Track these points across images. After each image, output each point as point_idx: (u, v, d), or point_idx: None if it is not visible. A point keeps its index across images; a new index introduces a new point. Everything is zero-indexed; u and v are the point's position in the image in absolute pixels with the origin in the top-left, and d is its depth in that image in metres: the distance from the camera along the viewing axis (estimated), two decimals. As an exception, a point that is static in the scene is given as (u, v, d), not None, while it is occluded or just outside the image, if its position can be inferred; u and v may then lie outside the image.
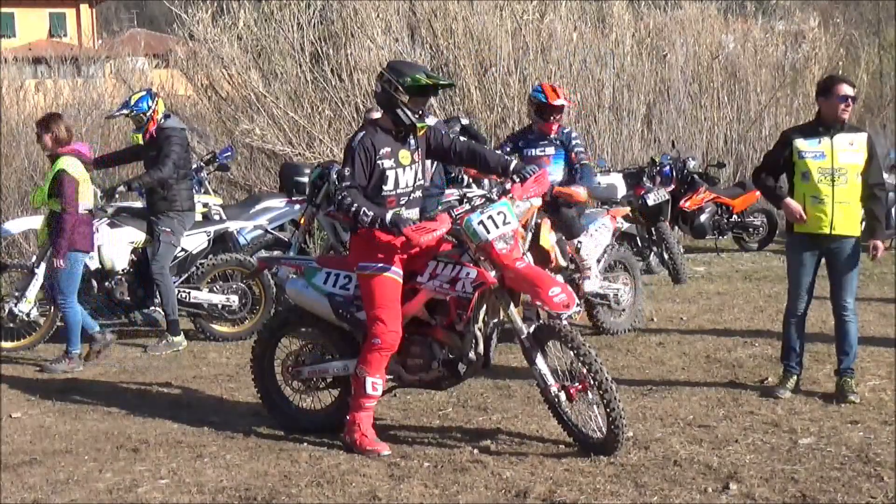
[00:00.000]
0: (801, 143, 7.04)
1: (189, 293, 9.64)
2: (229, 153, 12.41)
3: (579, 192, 8.80)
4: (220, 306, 9.72)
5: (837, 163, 6.97)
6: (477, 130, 11.66)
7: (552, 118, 8.95)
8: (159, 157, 9.34)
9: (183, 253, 9.68)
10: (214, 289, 9.76)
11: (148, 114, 9.47)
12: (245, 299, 9.80)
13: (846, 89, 7.00)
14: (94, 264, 9.34)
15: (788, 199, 7.10)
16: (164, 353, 9.23)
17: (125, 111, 9.63)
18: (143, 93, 9.81)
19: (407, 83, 6.09)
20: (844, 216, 6.99)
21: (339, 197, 6.06)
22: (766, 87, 18.10)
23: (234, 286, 9.79)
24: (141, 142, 9.58)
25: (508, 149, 8.93)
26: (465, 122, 11.24)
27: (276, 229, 11.33)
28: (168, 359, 9.08)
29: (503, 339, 6.58)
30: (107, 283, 9.45)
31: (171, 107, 16.40)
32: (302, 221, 10.74)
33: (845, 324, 7.14)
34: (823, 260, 7.14)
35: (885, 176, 14.25)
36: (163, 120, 9.51)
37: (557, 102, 8.92)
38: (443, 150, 6.46)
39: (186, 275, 9.73)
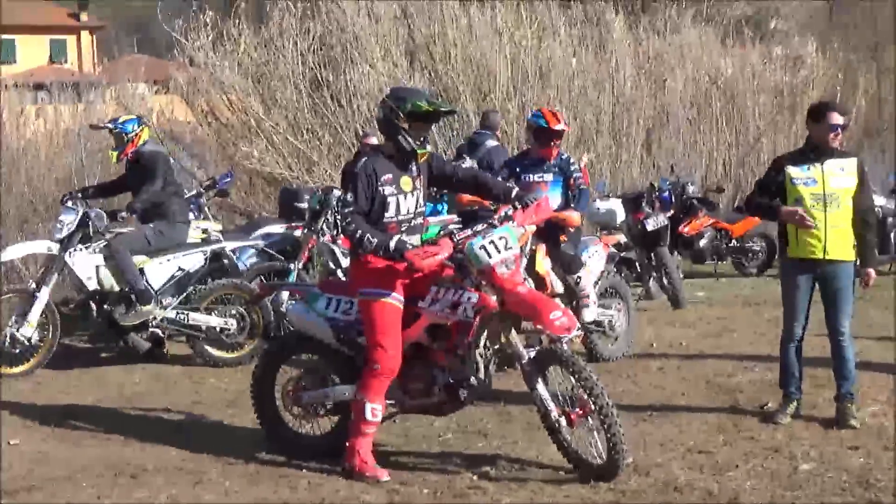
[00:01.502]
0: (792, 170, 7.05)
1: (187, 315, 9.61)
2: (229, 179, 12.43)
3: (573, 216, 8.74)
4: (217, 329, 9.67)
5: (829, 188, 6.98)
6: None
7: (552, 143, 8.91)
8: (146, 177, 9.55)
9: (180, 272, 9.66)
10: (213, 312, 9.73)
11: (129, 136, 9.72)
12: (243, 324, 9.77)
13: (837, 118, 7.02)
14: (92, 285, 9.35)
15: (783, 207, 7.05)
16: (135, 322, 9.37)
17: (110, 125, 9.93)
18: (134, 117, 10.18)
19: (408, 109, 6.11)
20: (838, 240, 6.99)
21: (344, 223, 6.08)
22: (764, 112, 18.18)
23: (233, 310, 9.75)
24: (115, 160, 9.95)
25: (506, 174, 8.87)
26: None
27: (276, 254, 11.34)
28: (167, 384, 9.06)
29: (503, 364, 6.57)
30: (105, 306, 9.44)
31: (170, 132, 16.55)
32: (301, 247, 10.73)
33: (842, 348, 7.13)
34: (818, 285, 7.15)
35: (884, 200, 14.50)
36: (143, 146, 9.74)
37: (558, 127, 8.87)
38: (445, 177, 6.49)
39: (184, 295, 9.69)
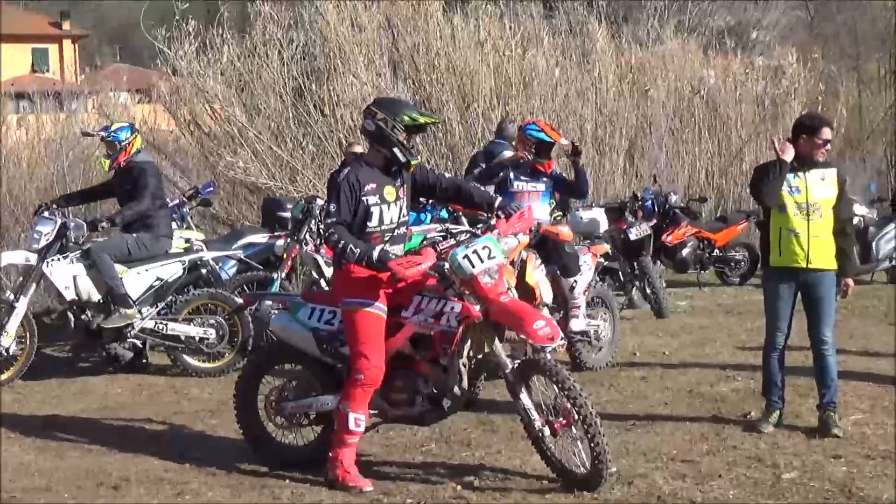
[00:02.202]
0: None
1: (166, 324, 9.57)
2: (212, 188, 12.41)
3: (565, 231, 8.90)
4: (197, 339, 9.63)
5: (812, 198, 7.02)
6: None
7: (552, 156, 9.07)
8: (135, 190, 9.52)
9: (158, 282, 9.61)
10: (193, 322, 9.68)
11: (122, 144, 9.66)
12: (222, 333, 9.72)
13: (828, 133, 7.10)
14: (69, 295, 9.31)
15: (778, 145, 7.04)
16: (118, 325, 9.28)
17: (103, 133, 9.87)
18: (126, 124, 10.07)
19: (405, 122, 6.13)
20: (820, 250, 7.03)
21: (327, 233, 6.08)
22: (746, 122, 18.25)
23: (212, 320, 9.72)
24: (107, 169, 9.79)
25: (500, 175, 9.02)
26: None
27: (258, 265, 11.30)
28: (150, 394, 9.03)
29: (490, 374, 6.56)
30: (83, 316, 9.39)
31: (153, 141, 16.51)
32: (284, 256, 10.71)
33: (824, 357, 7.16)
34: (800, 294, 7.18)
35: (866, 210, 14.58)
36: (136, 155, 9.68)
37: (564, 141, 9.10)
38: (429, 186, 6.49)
39: (163, 304, 9.65)
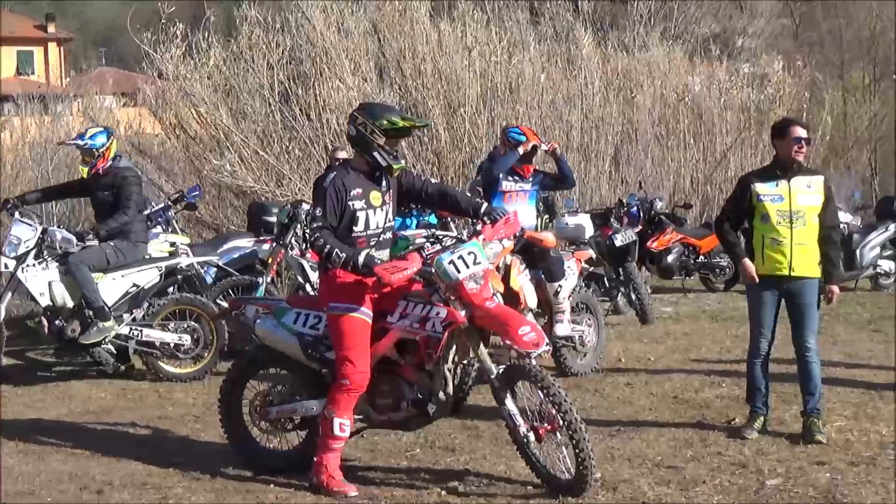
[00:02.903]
0: (759, 187, 7.13)
1: (141, 331, 9.48)
2: (197, 192, 12.37)
3: (549, 237, 8.95)
4: (172, 345, 9.53)
5: (795, 205, 7.04)
6: None
7: (532, 160, 9.13)
8: (118, 199, 9.36)
9: (134, 288, 9.49)
10: (168, 327, 9.58)
11: (100, 150, 9.49)
12: (197, 338, 9.62)
13: (800, 131, 7.11)
14: (44, 301, 9.23)
15: (746, 260, 7.18)
16: (97, 339, 9.17)
17: (79, 142, 9.63)
18: (101, 129, 9.91)
19: (384, 126, 6.12)
20: (803, 257, 7.06)
21: (313, 238, 6.07)
22: (731, 129, 18.33)
23: (187, 325, 9.61)
24: (86, 175, 9.58)
25: (486, 174, 9.10)
26: None
27: (243, 269, 11.27)
28: (134, 398, 9.00)
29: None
30: (57, 322, 9.28)
31: (139, 145, 16.48)
32: (270, 261, 10.69)
33: (808, 364, 7.19)
34: (784, 301, 7.20)
35: (850, 217, 14.64)
36: (115, 160, 9.54)
37: (544, 147, 9.15)
38: (415, 192, 6.49)
39: (140, 311, 9.54)
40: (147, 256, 9.75)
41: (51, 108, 17.49)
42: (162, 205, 11.74)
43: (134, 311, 9.52)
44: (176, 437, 7.69)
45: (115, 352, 9.65)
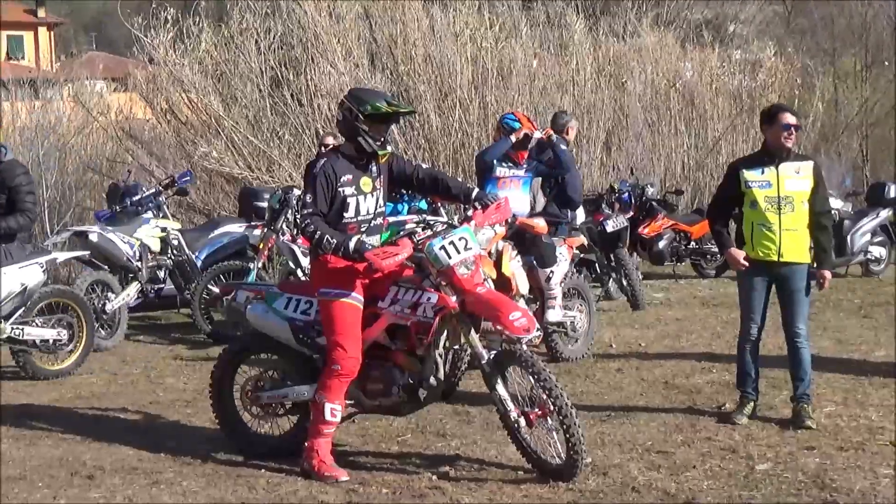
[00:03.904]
0: (747, 174, 7.13)
1: (23, 330, 8.91)
2: (188, 177, 12.35)
3: (540, 223, 8.94)
4: (51, 341, 9.05)
5: (784, 191, 7.05)
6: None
7: (527, 146, 9.11)
8: (13, 197, 8.86)
9: (20, 287, 8.89)
10: (38, 323, 9.04)
11: None
12: (72, 332, 9.20)
13: (789, 118, 7.11)
14: None
15: (731, 249, 7.21)
16: None
17: None
18: None
19: (368, 111, 6.12)
20: (792, 243, 7.06)
21: (303, 224, 6.07)
22: (723, 115, 18.33)
23: (59, 318, 9.17)
24: None
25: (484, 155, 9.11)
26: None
27: (234, 255, 11.27)
28: (125, 384, 8.99)
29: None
30: None
31: (129, 130, 16.43)
32: (261, 246, 10.70)
33: (798, 350, 7.20)
34: (774, 287, 7.22)
35: (841, 203, 14.66)
36: (2, 153, 8.97)
37: (537, 135, 9.10)
38: (406, 177, 6.49)
39: (22, 310, 8.96)
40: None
41: (41, 93, 17.41)
42: (153, 190, 11.72)
43: (16, 311, 8.95)
44: (167, 422, 7.69)
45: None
